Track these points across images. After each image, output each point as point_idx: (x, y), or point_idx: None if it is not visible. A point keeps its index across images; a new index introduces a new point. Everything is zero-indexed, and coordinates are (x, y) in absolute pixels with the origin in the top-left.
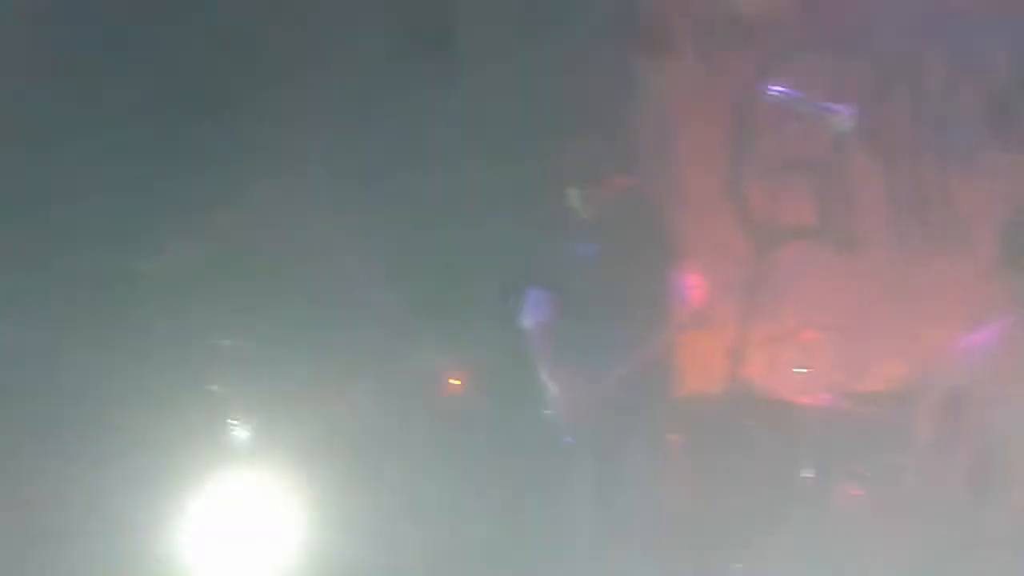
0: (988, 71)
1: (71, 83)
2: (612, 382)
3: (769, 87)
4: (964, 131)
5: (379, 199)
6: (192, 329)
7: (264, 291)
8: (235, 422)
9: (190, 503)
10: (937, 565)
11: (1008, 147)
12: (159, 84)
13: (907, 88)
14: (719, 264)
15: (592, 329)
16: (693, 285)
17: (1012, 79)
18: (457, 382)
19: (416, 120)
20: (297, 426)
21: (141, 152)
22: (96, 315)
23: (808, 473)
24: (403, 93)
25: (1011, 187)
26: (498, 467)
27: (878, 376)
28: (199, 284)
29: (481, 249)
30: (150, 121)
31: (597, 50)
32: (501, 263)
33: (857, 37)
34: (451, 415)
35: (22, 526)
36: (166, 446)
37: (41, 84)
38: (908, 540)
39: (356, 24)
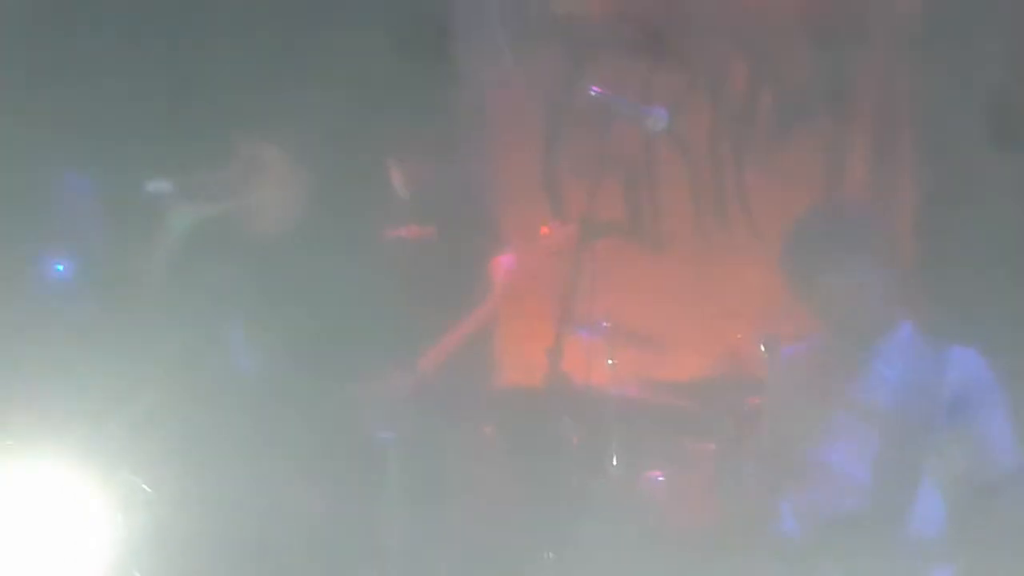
0: (788, 76)
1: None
2: (425, 371)
3: (589, 86)
4: (764, 134)
5: None
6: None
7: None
8: None
9: None
10: (732, 548)
11: (806, 150)
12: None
13: (711, 91)
14: (533, 256)
15: (406, 316)
16: (508, 275)
17: (810, 84)
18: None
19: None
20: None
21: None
22: None
23: (616, 461)
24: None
25: (806, 190)
26: (306, 461)
27: (681, 368)
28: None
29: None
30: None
31: (420, 36)
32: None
33: (666, 39)
34: (257, 406)
35: None
36: None
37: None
38: (707, 524)
39: None
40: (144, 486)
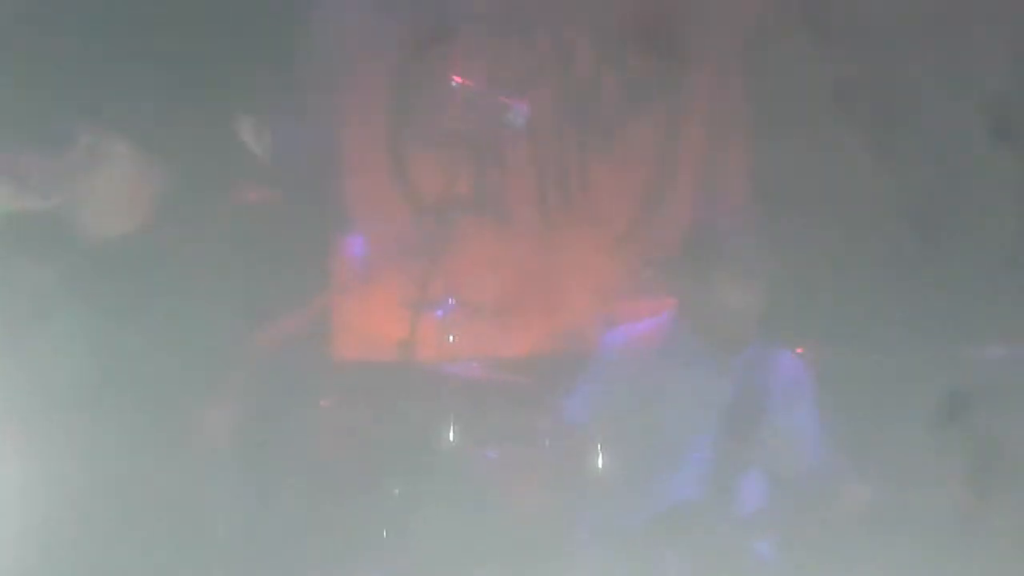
0: (633, 60)
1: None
2: (268, 344)
3: (450, 76)
4: (607, 115)
5: None
6: None
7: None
8: None
9: None
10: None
11: (646, 132)
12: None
13: (557, 73)
14: (379, 230)
15: (247, 288)
16: (353, 248)
17: (648, 67)
18: None
19: None
20: None
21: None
22: None
23: (453, 437)
24: None
25: (645, 168)
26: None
27: (521, 344)
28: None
29: None
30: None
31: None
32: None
33: (513, 21)
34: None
35: None
36: None
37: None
38: (542, 498)
39: None
40: None
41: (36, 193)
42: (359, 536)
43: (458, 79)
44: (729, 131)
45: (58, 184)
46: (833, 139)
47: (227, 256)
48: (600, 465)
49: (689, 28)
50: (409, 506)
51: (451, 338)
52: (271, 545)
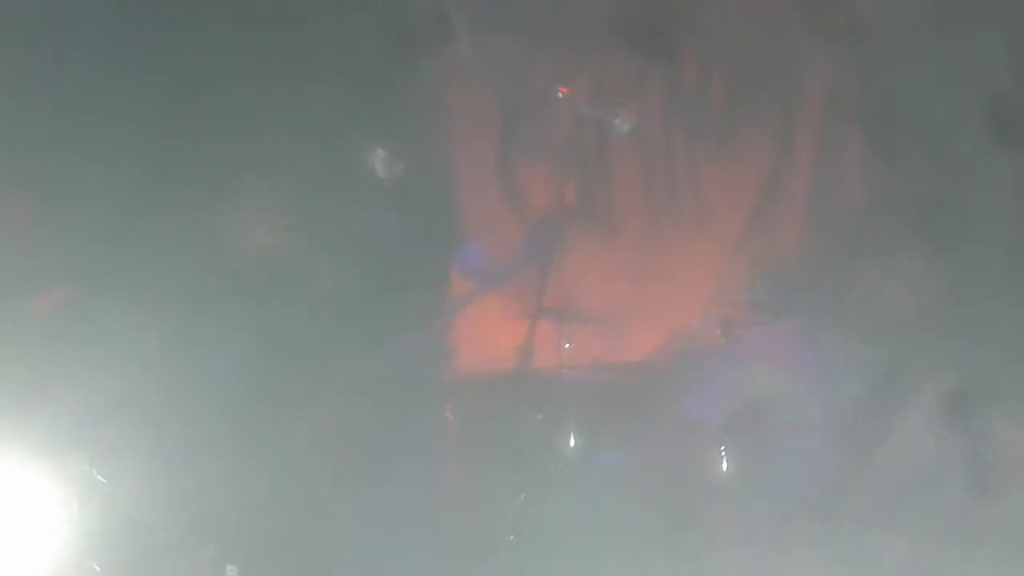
0: (737, 67)
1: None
2: (393, 358)
3: (557, 88)
4: (715, 122)
5: None
6: None
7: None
8: None
9: None
10: (681, 526)
11: (757, 138)
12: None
13: (661, 81)
14: (492, 243)
15: (375, 304)
16: (470, 262)
17: (761, 73)
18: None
19: None
20: None
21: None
22: None
23: (573, 443)
24: None
25: (758, 177)
26: (271, 449)
27: (633, 349)
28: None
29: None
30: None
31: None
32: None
33: (613, 32)
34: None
35: None
36: None
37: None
38: (662, 504)
39: None
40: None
41: None
42: (483, 545)
43: (564, 90)
44: (843, 137)
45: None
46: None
47: (350, 276)
48: (723, 467)
49: (803, 29)
50: (533, 514)
51: (567, 346)
52: (394, 553)
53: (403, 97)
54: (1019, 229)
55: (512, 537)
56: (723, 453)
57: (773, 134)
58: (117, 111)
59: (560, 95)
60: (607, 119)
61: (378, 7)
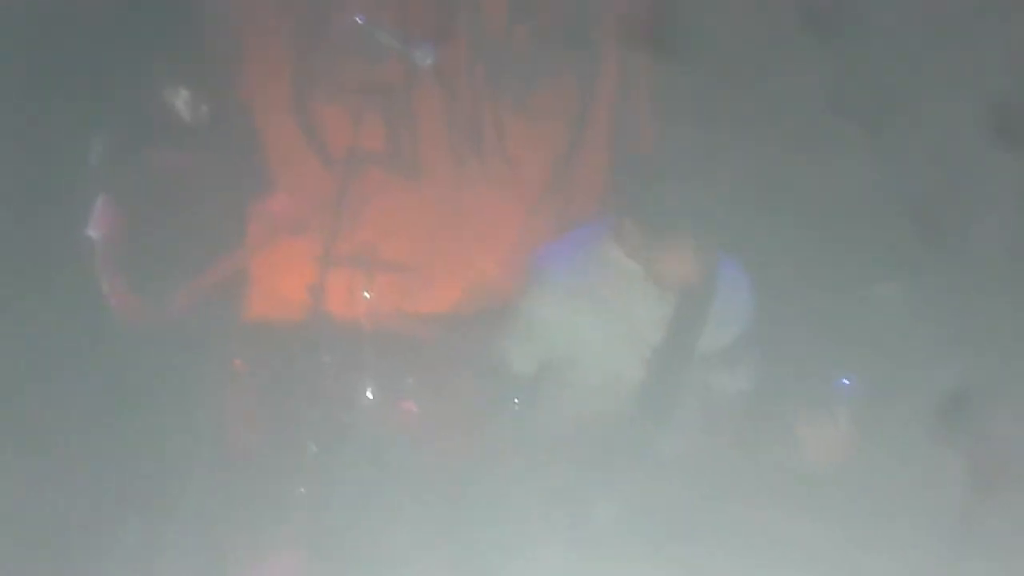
0: (548, 15)
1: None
2: (180, 302)
3: (356, 15)
4: (521, 72)
5: None
6: None
7: None
8: None
9: None
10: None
11: (560, 91)
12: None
13: (470, 27)
14: (291, 185)
15: (161, 244)
16: (267, 205)
17: (566, 25)
18: None
19: None
20: None
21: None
22: None
23: (370, 393)
24: None
25: (558, 128)
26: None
27: (434, 300)
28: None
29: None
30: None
31: None
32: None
33: None
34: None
35: None
36: None
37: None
38: (457, 450)
39: None
40: None
41: None
42: (276, 496)
43: (363, 18)
44: (642, 91)
45: None
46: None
47: (143, 215)
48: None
49: None
50: (327, 464)
51: (366, 295)
52: (191, 509)
53: (197, 29)
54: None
55: (303, 490)
56: (516, 404)
57: (580, 82)
58: None
59: (359, 22)
60: (407, 49)
61: None
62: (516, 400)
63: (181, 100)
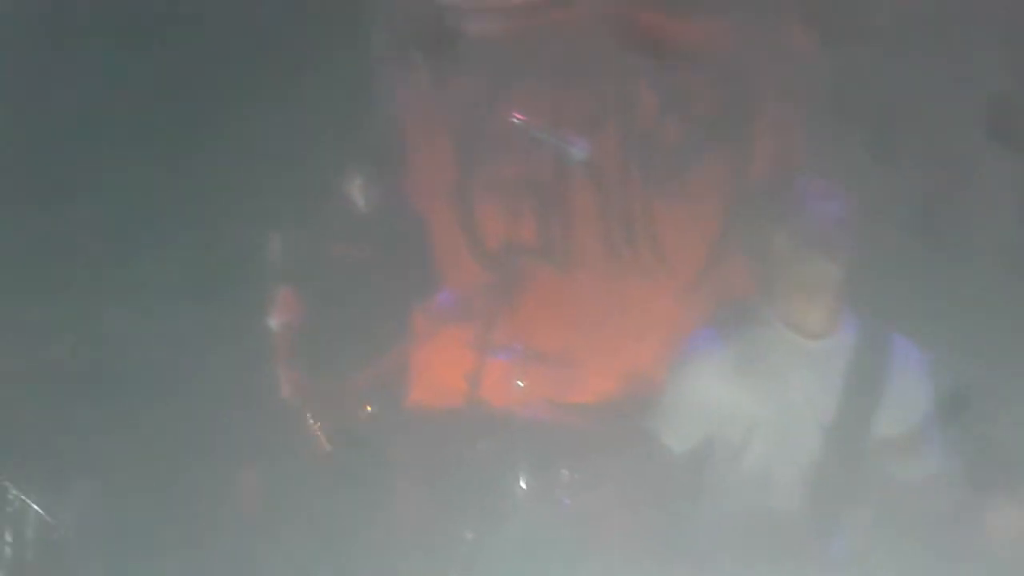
0: (689, 103)
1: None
2: (352, 390)
3: (511, 113)
4: (671, 158)
5: None
6: None
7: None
8: None
9: None
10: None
11: (712, 173)
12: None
13: (620, 116)
14: (450, 276)
15: (336, 335)
16: (427, 298)
17: (719, 109)
18: None
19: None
20: None
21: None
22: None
23: (525, 482)
24: None
25: (713, 210)
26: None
27: (588, 389)
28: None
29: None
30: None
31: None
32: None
33: (576, 66)
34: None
35: None
36: None
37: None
38: (615, 542)
39: None
40: None
41: None
42: None
43: (519, 116)
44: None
45: None
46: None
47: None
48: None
49: (749, 64)
50: (483, 551)
51: (520, 384)
52: None
53: (366, 131)
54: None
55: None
56: (674, 495)
57: (731, 169)
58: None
59: (516, 121)
60: (562, 146)
61: (342, 43)
62: (678, 491)
63: (351, 193)
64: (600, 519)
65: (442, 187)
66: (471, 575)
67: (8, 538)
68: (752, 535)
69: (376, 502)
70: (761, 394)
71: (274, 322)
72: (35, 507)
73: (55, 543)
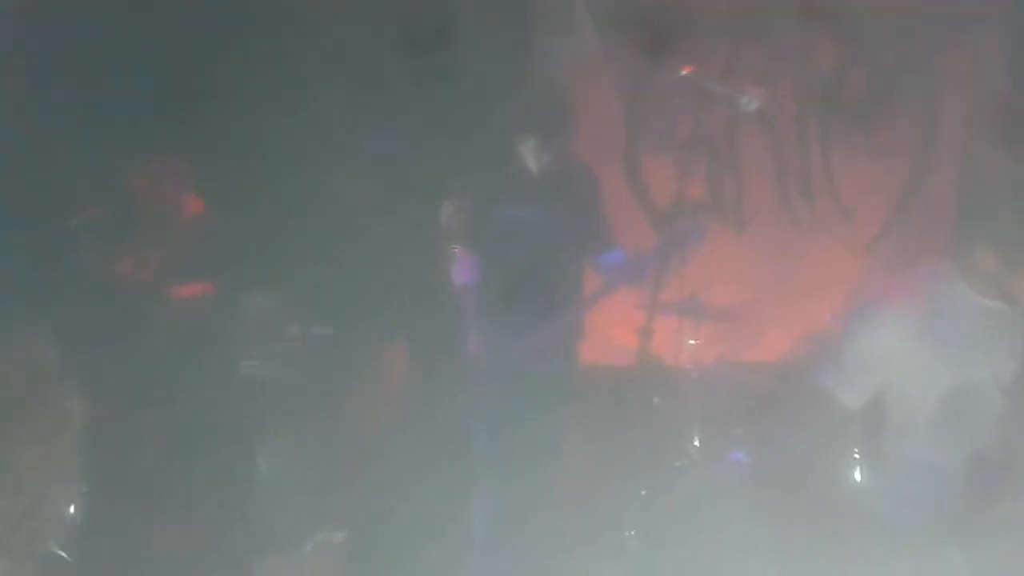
0: (874, 57)
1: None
2: (528, 351)
3: (680, 66)
4: (849, 114)
5: None
6: None
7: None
8: None
9: None
10: (808, 534)
11: (892, 131)
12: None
13: (795, 71)
14: (620, 238)
15: (512, 296)
16: (600, 257)
17: (898, 64)
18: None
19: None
20: None
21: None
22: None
23: (697, 441)
24: None
25: (891, 169)
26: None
27: (761, 348)
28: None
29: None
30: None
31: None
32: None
33: (748, 20)
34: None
35: None
36: None
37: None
38: (784, 508)
39: None
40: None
41: None
42: (606, 536)
43: (688, 68)
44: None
45: None
46: None
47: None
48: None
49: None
50: (656, 508)
51: (691, 342)
52: (524, 543)
53: (530, 91)
54: None
55: (632, 533)
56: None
57: (916, 126)
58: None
59: (685, 73)
60: (734, 96)
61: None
62: (856, 451)
63: (525, 155)
64: (774, 479)
65: (612, 146)
66: (645, 532)
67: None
68: (920, 499)
69: (550, 461)
70: (939, 355)
71: (460, 281)
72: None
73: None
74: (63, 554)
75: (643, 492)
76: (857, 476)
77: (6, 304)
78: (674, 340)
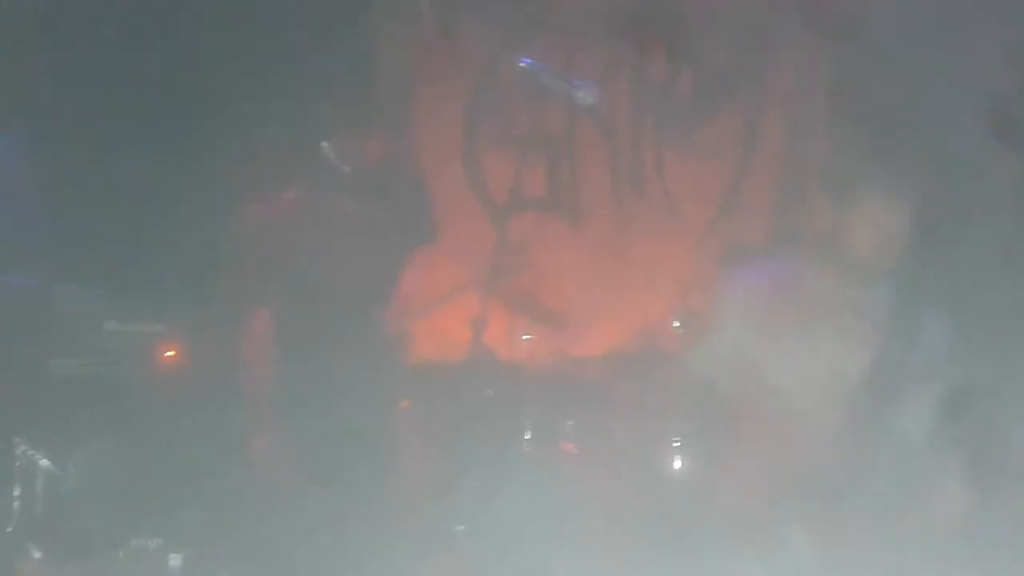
0: (704, 59)
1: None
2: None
3: (519, 58)
4: (681, 113)
5: None
6: None
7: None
8: None
9: None
10: (639, 523)
11: (720, 129)
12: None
13: (630, 70)
14: (455, 233)
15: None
16: (433, 253)
17: (728, 67)
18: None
19: None
20: None
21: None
22: None
23: (529, 434)
24: None
25: (721, 167)
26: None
27: (595, 342)
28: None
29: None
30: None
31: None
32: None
33: (590, 19)
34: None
35: None
36: None
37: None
38: (616, 492)
39: None
40: None
41: None
42: (439, 533)
43: (527, 60)
44: (808, 126)
45: None
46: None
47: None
48: (677, 462)
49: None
50: (490, 503)
51: (526, 337)
52: (357, 537)
53: (366, 82)
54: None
55: (462, 527)
56: (676, 445)
57: (742, 126)
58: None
59: (523, 65)
60: (569, 90)
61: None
62: (676, 441)
63: (348, 149)
64: (604, 469)
65: (447, 141)
66: (475, 526)
67: (16, 492)
68: (765, 485)
69: (383, 459)
70: (770, 344)
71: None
72: (44, 460)
73: (63, 497)
74: None
75: (474, 485)
76: (678, 464)
77: None
78: (508, 335)
